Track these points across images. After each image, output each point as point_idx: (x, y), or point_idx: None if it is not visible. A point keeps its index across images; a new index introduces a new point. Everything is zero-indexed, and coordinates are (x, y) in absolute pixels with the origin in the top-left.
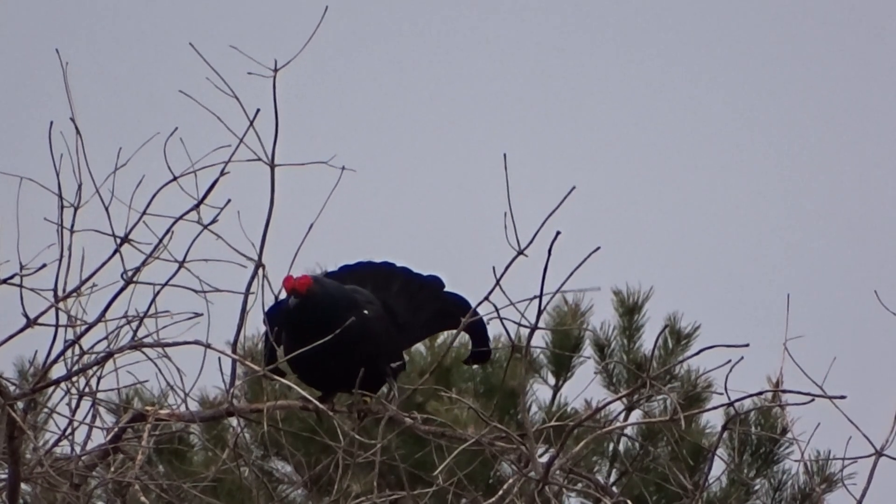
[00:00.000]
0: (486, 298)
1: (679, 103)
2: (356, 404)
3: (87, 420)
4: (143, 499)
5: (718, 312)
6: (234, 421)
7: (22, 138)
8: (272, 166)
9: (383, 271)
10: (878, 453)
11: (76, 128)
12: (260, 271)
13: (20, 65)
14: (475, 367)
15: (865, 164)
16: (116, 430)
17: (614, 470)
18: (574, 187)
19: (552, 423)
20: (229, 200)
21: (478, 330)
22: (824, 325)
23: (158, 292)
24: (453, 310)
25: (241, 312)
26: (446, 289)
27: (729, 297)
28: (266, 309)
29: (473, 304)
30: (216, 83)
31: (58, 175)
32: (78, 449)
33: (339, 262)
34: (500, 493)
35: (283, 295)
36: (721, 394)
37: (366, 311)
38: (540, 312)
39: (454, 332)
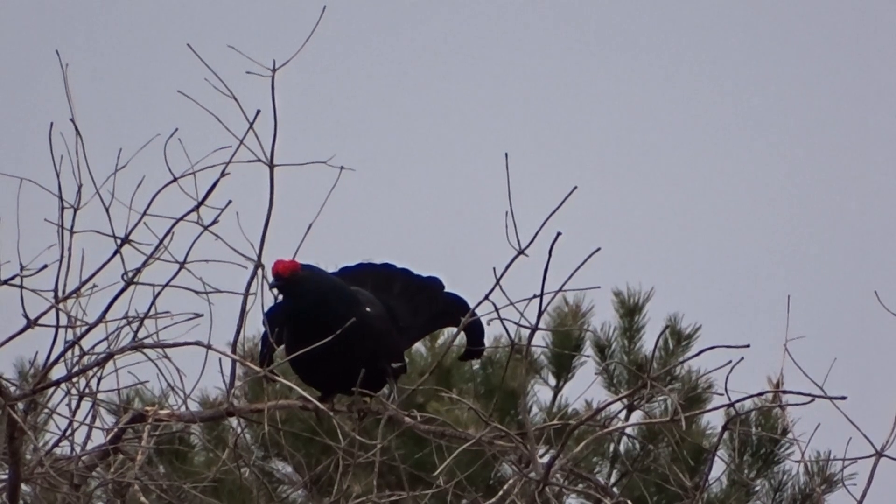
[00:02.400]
0: (486, 298)
1: (679, 104)
2: (356, 404)
3: (88, 421)
4: (143, 499)
5: (718, 313)
6: (234, 421)
7: (22, 139)
8: (271, 166)
9: (384, 273)
10: (879, 454)
11: (76, 129)
12: (259, 272)
13: (20, 65)
14: (475, 367)
15: (865, 165)
16: (116, 430)
17: (615, 470)
18: (575, 187)
19: (553, 423)
20: (230, 201)
21: (475, 330)
22: (824, 326)
23: (159, 293)
24: (453, 310)
25: (241, 313)
26: (446, 290)
27: (729, 297)
28: (266, 310)
29: (472, 305)
30: (215, 84)
31: (58, 176)
32: (78, 449)
33: (340, 263)
34: (501, 493)
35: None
36: (721, 394)
37: (368, 309)
38: (540, 313)
39: (453, 331)
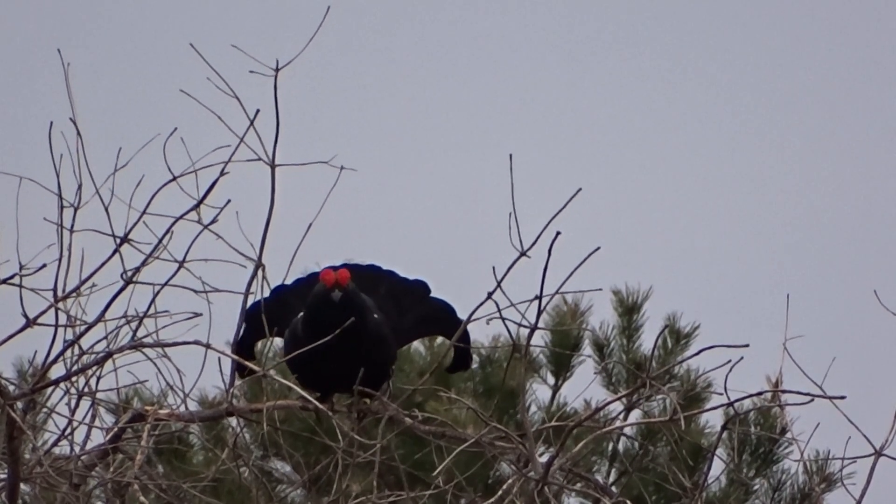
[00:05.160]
0: (489, 298)
1: (679, 104)
2: (356, 404)
3: (87, 420)
4: (142, 499)
5: (718, 312)
6: (233, 421)
7: (22, 138)
8: (272, 166)
9: (370, 274)
10: (878, 453)
11: (76, 128)
12: (260, 271)
13: (20, 65)
14: (474, 366)
15: (865, 165)
16: (116, 429)
17: (614, 470)
18: (580, 189)
19: (552, 423)
20: (229, 200)
21: (462, 341)
22: (824, 325)
23: (158, 292)
24: (439, 315)
25: (241, 312)
26: (432, 294)
27: (729, 297)
28: (264, 298)
29: (467, 308)
30: (217, 83)
31: (58, 175)
32: (77, 449)
33: (334, 263)
34: (500, 493)
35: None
36: (721, 394)
37: (375, 316)
38: (540, 312)
39: (447, 338)
